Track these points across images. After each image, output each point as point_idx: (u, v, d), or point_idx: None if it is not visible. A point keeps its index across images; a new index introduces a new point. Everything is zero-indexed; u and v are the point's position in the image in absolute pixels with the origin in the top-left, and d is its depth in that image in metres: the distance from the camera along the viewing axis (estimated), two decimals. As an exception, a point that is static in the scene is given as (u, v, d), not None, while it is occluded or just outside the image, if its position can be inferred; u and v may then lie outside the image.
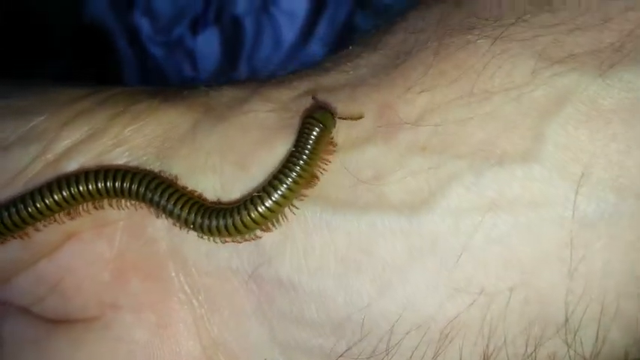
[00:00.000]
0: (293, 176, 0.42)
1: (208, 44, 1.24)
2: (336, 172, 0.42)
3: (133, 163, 0.46)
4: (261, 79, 0.50)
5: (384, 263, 0.40)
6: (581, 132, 0.36)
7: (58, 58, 1.14)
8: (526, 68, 0.38)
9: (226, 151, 0.45)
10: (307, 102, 0.45)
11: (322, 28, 1.27)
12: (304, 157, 0.42)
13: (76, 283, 0.46)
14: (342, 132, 0.43)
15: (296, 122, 0.44)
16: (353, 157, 0.42)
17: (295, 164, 0.42)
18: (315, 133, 0.42)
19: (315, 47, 1.27)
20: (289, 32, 1.27)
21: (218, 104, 0.47)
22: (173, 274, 0.45)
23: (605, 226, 0.35)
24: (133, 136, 0.46)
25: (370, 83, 0.43)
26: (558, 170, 0.36)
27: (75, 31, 1.19)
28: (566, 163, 0.36)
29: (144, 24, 1.23)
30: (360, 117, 0.42)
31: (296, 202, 0.42)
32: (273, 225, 0.43)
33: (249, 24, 1.26)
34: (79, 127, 0.46)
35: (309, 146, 0.42)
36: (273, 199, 0.42)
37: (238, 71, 1.26)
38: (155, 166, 0.46)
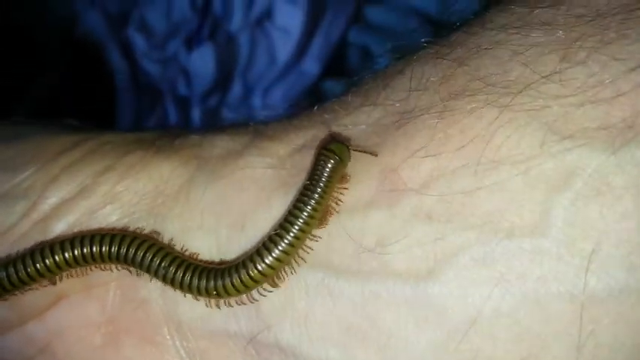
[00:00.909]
0: (307, 211, 0.40)
1: (203, 60, 1.23)
2: (338, 236, 0.41)
3: (124, 221, 0.44)
4: (257, 126, 0.48)
5: (390, 333, 0.38)
6: (591, 208, 0.35)
7: (50, 74, 1.12)
8: (535, 140, 0.37)
9: (222, 210, 0.43)
10: (304, 158, 0.43)
11: (316, 45, 1.26)
12: (319, 190, 0.41)
13: (66, 347, 0.44)
14: (344, 193, 0.42)
15: (293, 180, 0.43)
16: (356, 222, 0.40)
17: (310, 197, 0.41)
18: (330, 165, 0.41)
19: (310, 64, 1.27)
20: (284, 49, 1.26)
21: (212, 157, 0.46)
22: (168, 337, 0.43)
23: (615, 303, 0.34)
24: (124, 193, 0.45)
25: (372, 142, 0.42)
26: (567, 246, 0.35)
27: (68, 47, 1.18)
28: (576, 239, 0.35)
29: (138, 40, 1.22)
30: (375, 154, 0.41)
31: (297, 267, 0.41)
32: (274, 283, 0.41)
33: (243, 40, 1.25)
34: (66, 183, 0.44)
35: (324, 179, 0.41)
36: (287, 240, 0.40)
37: (233, 88, 1.25)
38: (148, 224, 0.44)
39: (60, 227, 0.44)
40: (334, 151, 0.41)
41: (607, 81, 0.36)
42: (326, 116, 0.45)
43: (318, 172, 0.41)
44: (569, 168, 0.36)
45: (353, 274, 0.40)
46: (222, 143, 0.47)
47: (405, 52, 0.48)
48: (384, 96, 0.44)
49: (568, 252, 0.35)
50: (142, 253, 0.42)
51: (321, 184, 0.41)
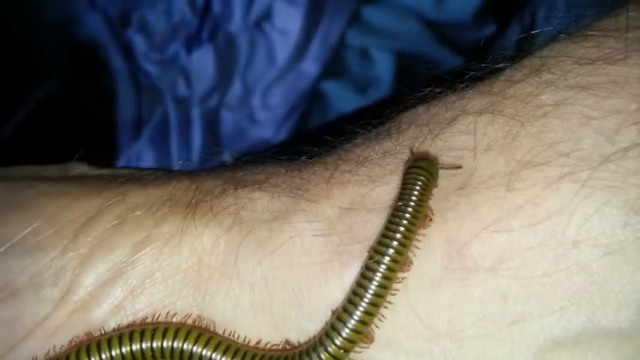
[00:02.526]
0: (404, 231, 0.37)
1: (203, 61, 1.22)
2: (406, 314, 0.38)
3: (170, 300, 0.40)
4: (293, 180, 0.43)
5: None
6: None
7: (49, 81, 1.11)
8: (617, 220, 0.34)
9: (274, 286, 0.39)
10: (355, 222, 0.39)
11: (315, 46, 1.26)
12: (412, 208, 0.38)
13: None
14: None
15: (347, 250, 0.39)
16: (424, 300, 0.37)
17: (403, 218, 0.38)
18: (421, 181, 0.38)
19: (309, 65, 1.26)
20: (283, 50, 1.25)
21: (256, 223, 0.41)
22: None
23: None
24: (166, 269, 0.40)
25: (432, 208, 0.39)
26: None
27: (68, 50, 1.17)
28: None
29: (138, 41, 1.21)
30: (459, 167, 0.38)
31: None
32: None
33: (243, 41, 1.25)
34: (101, 262, 0.40)
35: (415, 196, 0.38)
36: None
37: (232, 89, 1.24)
38: (196, 303, 0.40)
39: (100, 315, 0.40)
40: (424, 168, 0.38)
41: None
42: (371, 173, 0.41)
43: (409, 190, 0.38)
44: None
45: (425, 357, 0.37)
46: (263, 205, 0.42)
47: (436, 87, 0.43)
48: (434, 148, 0.40)
49: None
50: (201, 350, 0.38)
51: (414, 202, 0.38)
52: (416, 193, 0.38)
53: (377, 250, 0.37)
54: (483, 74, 0.41)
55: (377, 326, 0.38)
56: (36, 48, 1.15)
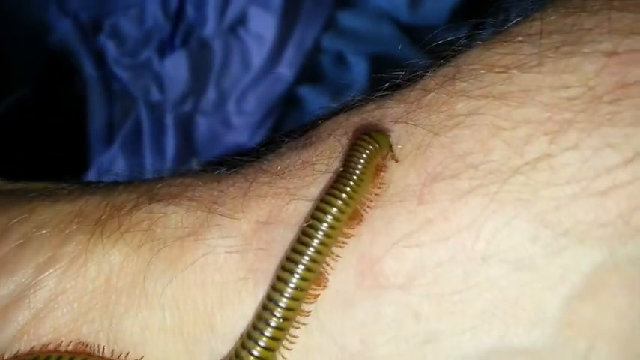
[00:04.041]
0: (340, 204, 0.35)
1: (176, 67, 1.20)
2: (319, 334, 0.36)
3: (77, 324, 0.37)
4: (212, 192, 0.40)
5: None
6: (586, 308, 0.32)
7: (20, 88, 1.10)
8: (526, 235, 0.32)
9: (186, 308, 0.37)
10: (272, 236, 0.37)
11: (290, 51, 1.24)
12: (354, 178, 0.35)
13: None
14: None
15: (262, 266, 0.37)
16: (336, 319, 0.35)
17: (344, 187, 0.35)
18: (368, 152, 0.35)
19: (284, 69, 1.25)
20: (258, 55, 1.24)
21: (167, 240, 0.39)
22: None
23: None
24: (71, 291, 0.38)
25: None
26: (562, 346, 0.32)
27: (39, 57, 1.16)
28: (571, 338, 0.32)
29: (110, 47, 1.20)
30: (397, 161, 0.36)
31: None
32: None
33: (217, 46, 1.23)
34: (2, 285, 0.37)
35: (359, 167, 0.35)
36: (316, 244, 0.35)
37: (207, 94, 1.23)
38: (103, 327, 0.37)
39: (3, 340, 0.37)
40: (374, 138, 0.35)
41: (601, 170, 0.31)
42: (289, 185, 0.39)
43: (354, 160, 0.36)
44: (564, 266, 0.32)
45: None
46: (176, 220, 0.39)
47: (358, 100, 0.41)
48: None
49: (562, 351, 0.32)
50: None
51: (357, 174, 0.35)
52: (359, 167, 0.35)
53: (284, 267, 0.35)
54: (401, 83, 0.39)
55: (288, 347, 0.35)
56: (7, 54, 1.14)
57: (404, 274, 0.34)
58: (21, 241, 0.39)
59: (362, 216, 0.35)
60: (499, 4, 0.42)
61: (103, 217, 0.40)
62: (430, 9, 1.22)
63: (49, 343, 0.37)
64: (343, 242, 0.36)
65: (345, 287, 0.35)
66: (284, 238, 0.37)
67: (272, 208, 0.38)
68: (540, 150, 0.32)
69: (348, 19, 1.27)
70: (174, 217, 0.39)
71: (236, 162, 0.42)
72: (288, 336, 0.35)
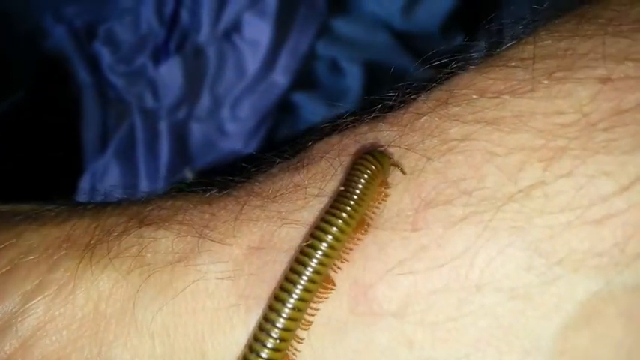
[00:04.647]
0: (341, 223, 0.34)
1: (170, 73, 1.20)
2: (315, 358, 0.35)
3: (66, 352, 0.36)
4: (202, 215, 0.40)
5: None
6: (581, 337, 0.31)
7: (14, 94, 1.09)
8: (520, 264, 0.32)
9: (176, 335, 0.36)
10: (261, 261, 0.36)
11: (285, 57, 1.24)
12: (355, 197, 0.35)
13: None
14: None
15: (254, 292, 0.36)
16: (329, 346, 0.35)
17: (345, 205, 0.35)
18: (369, 172, 0.35)
19: (278, 76, 1.24)
20: (252, 61, 1.23)
21: (157, 265, 0.38)
22: None
23: None
24: (59, 319, 0.37)
25: None
26: None
27: (34, 63, 1.15)
28: None
29: (104, 54, 1.19)
30: (404, 173, 0.36)
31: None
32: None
33: (212, 53, 1.23)
34: None
35: (360, 186, 0.35)
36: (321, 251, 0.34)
37: (201, 100, 1.22)
38: (92, 355, 0.37)
39: None
40: (376, 158, 0.35)
41: (596, 198, 0.31)
42: (281, 209, 0.38)
43: (355, 179, 0.35)
44: (559, 296, 0.32)
45: None
46: (166, 245, 0.39)
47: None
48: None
49: None
50: None
51: (358, 192, 0.35)
52: (361, 186, 0.35)
53: (281, 289, 0.35)
54: (393, 105, 0.39)
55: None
56: (3, 61, 1.13)
57: (398, 301, 0.34)
58: (8, 268, 0.38)
59: (367, 227, 0.35)
60: (491, 24, 0.42)
61: (92, 242, 0.39)
62: (424, 16, 1.22)
63: None
64: (337, 267, 0.35)
65: (337, 314, 0.35)
66: (276, 263, 0.36)
67: (264, 233, 0.37)
68: (534, 177, 0.32)
69: (342, 26, 1.26)
70: (164, 241, 0.38)
71: (227, 183, 0.42)
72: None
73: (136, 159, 1.18)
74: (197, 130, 1.22)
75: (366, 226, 0.35)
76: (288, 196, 0.38)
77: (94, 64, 1.19)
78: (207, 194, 0.41)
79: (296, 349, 0.35)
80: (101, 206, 0.42)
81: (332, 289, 0.35)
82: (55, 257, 0.38)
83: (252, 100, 1.23)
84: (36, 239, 0.40)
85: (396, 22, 1.25)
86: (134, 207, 0.41)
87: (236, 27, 1.24)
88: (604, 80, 0.32)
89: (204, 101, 1.23)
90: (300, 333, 0.35)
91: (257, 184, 0.40)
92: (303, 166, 0.39)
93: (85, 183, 1.14)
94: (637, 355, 0.31)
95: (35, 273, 0.38)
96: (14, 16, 1.19)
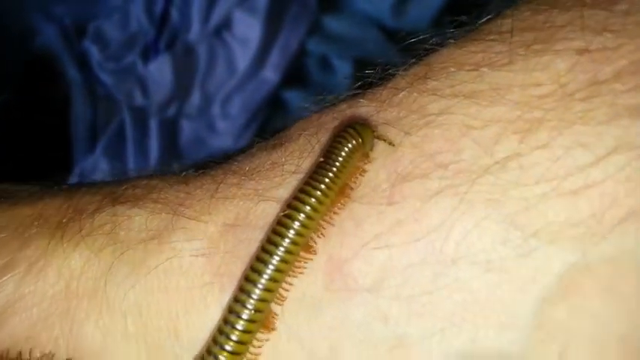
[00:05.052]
0: (319, 195, 0.34)
1: (160, 71, 1.19)
2: (287, 339, 0.34)
3: (36, 330, 0.36)
4: (178, 194, 0.39)
5: None
6: (558, 310, 0.31)
7: (3, 92, 1.08)
8: (496, 236, 0.31)
9: (149, 313, 0.36)
10: (239, 239, 0.35)
11: (275, 55, 1.23)
12: (333, 169, 0.34)
13: None
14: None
15: (229, 269, 0.35)
16: (304, 324, 0.34)
17: (322, 178, 0.34)
18: (350, 145, 0.34)
19: (269, 73, 1.24)
20: (243, 58, 1.22)
21: (130, 243, 0.37)
22: None
23: None
24: (29, 297, 0.36)
25: None
26: (534, 348, 0.31)
27: (23, 62, 1.14)
28: (543, 340, 0.31)
29: (94, 51, 1.18)
30: (393, 145, 0.35)
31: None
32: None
33: (202, 50, 1.22)
34: None
35: (340, 158, 0.34)
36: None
37: (191, 98, 1.22)
38: (63, 332, 0.36)
39: None
40: (358, 131, 0.34)
41: (573, 169, 0.30)
42: (257, 186, 0.37)
43: (335, 152, 0.35)
44: (535, 268, 0.31)
45: None
46: (140, 222, 0.38)
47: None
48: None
49: (534, 354, 0.31)
50: None
51: (337, 164, 0.34)
52: (340, 159, 0.34)
53: (259, 258, 0.34)
54: (373, 81, 0.38)
55: (255, 353, 0.34)
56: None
57: (373, 276, 0.33)
58: None
59: (345, 200, 0.34)
60: (476, 2, 0.41)
61: (64, 220, 0.38)
62: (414, 13, 1.21)
63: (7, 350, 0.35)
64: (313, 242, 0.34)
65: (313, 290, 0.34)
66: (251, 240, 0.35)
67: (240, 210, 0.36)
68: (510, 149, 0.31)
69: (333, 23, 1.26)
70: (137, 219, 0.38)
71: (205, 163, 0.41)
72: (255, 341, 0.34)
73: (126, 157, 1.17)
74: (187, 128, 1.21)
75: (344, 200, 0.34)
76: (265, 173, 0.37)
77: (83, 61, 1.18)
78: (183, 174, 0.40)
79: (270, 327, 0.34)
80: (75, 187, 0.42)
81: (310, 259, 0.34)
82: (26, 235, 0.38)
83: (243, 97, 1.23)
84: (7, 217, 0.39)
85: (387, 19, 1.24)
86: (108, 187, 0.41)
87: (226, 24, 1.23)
88: (581, 52, 0.32)
89: (195, 98, 1.22)
90: (274, 309, 0.34)
91: (235, 163, 0.40)
92: (282, 144, 0.39)
93: (73, 180, 1.13)
94: (616, 327, 0.30)
95: (5, 251, 0.37)
96: (2, 14, 1.18)
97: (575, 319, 0.31)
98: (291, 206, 0.34)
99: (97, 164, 1.15)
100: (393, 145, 0.35)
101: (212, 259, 0.36)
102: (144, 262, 0.36)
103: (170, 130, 1.20)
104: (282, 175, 0.37)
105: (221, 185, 0.38)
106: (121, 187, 0.40)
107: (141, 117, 1.18)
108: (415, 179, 0.33)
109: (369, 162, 0.35)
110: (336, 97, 0.39)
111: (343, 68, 1.23)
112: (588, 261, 0.30)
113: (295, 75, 1.24)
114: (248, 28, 1.22)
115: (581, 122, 0.30)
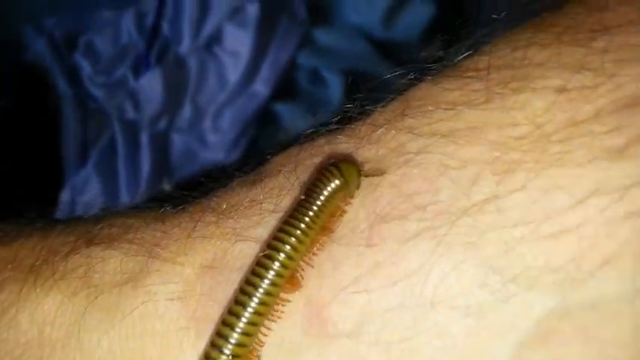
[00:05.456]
0: (294, 240, 0.33)
1: (151, 84, 1.18)
2: None
3: None
4: (155, 232, 0.38)
5: None
6: (537, 356, 0.30)
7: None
8: (475, 281, 0.31)
9: None
10: (214, 281, 0.35)
11: (266, 68, 1.23)
12: (314, 209, 0.33)
13: None
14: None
15: (205, 313, 0.34)
16: None
17: (301, 219, 0.33)
18: (332, 186, 0.33)
19: (259, 86, 1.23)
20: (233, 72, 1.22)
21: (105, 287, 0.36)
22: None
23: None
24: (2, 345, 0.35)
25: None
26: None
27: (14, 75, 1.13)
28: None
29: (84, 65, 1.18)
30: (384, 173, 0.34)
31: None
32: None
33: (193, 64, 1.21)
34: None
35: (322, 198, 0.33)
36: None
37: (182, 111, 1.21)
38: None
39: None
40: (340, 170, 0.33)
41: (551, 212, 0.30)
42: (236, 225, 0.36)
43: (316, 192, 0.34)
44: (514, 313, 0.30)
45: None
46: (115, 265, 0.37)
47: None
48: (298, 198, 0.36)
49: None
50: None
51: (317, 205, 0.33)
52: (321, 198, 0.33)
53: (237, 301, 0.33)
54: (352, 116, 0.38)
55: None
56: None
57: (352, 321, 0.32)
58: None
59: (323, 242, 0.33)
60: (453, 33, 0.41)
61: (37, 263, 0.37)
62: (404, 25, 1.21)
63: None
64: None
65: (291, 335, 0.33)
66: (229, 282, 0.34)
67: (217, 251, 0.36)
68: (488, 191, 0.31)
69: (323, 36, 1.25)
70: (112, 261, 0.37)
71: (184, 198, 0.40)
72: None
73: (117, 171, 1.16)
74: (178, 141, 1.21)
75: (323, 240, 0.34)
76: (244, 211, 0.37)
77: (73, 75, 1.17)
78: (161, 211, 0.40)
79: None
80: (50, 225, 0.41)
81: (289, 301, 0.33)
82: (0, 279, 0.37)
83: (234, 110, 1.22)
84: None
85: (377, 31, 1.24)
86: (84, 226, 0.40)
87: (217, 38, 1.23)
88: (560, 90, 0.31)
89: (186, 112, 1.21)
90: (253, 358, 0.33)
91: (214, 199, 0.39)
92: (261, 180, 0.38)
93: (65, 196, 1.12)
94: None
95: None
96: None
97: None
98: (271, 246, 0.34)
99: (88, 179, 1.14)
100: (384, 173, 0.34)
101: (188, 303, 0.35)
102: (118, 306, 0.35)
103: (161, 144, 1.19)
104: (261, 213, 0.36)
105: (198, 224, 0.37)
106: (96, 226, 0.39)
107: (132, 131, 1.18)
108: (393, 220, 0.33)
109: (350, 203, 0.34)
110: (314, 132, 0.39)
111: (333, 81, 1.23)
112: (568, 306, 0.29)
113: (286, 88, 1.24)
114: (238, 42, 1.22)
115: (558, 164, 0.30)
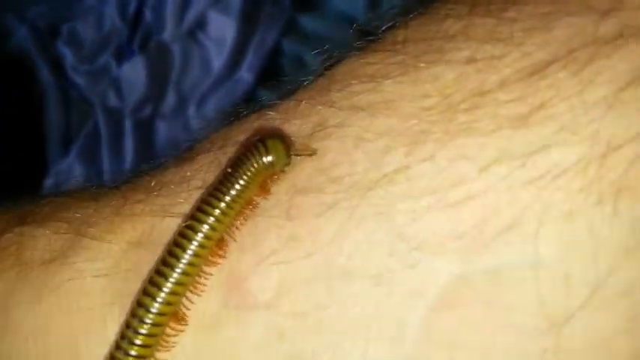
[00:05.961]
0: (216, 213, 0.33)
1: (134, 72, 1.18)
2: (184, 357, 0.34)
3: None
4: (85, 210, 0.38)
5: None
6: (444, 321, 0.31)
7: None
8: (384, 249, 0.31)
9: (50, 337, 0.35)
10: (139, 258, 0.35)
11: (250, 54, 1.23)
12: (240, 182, 0.33)
13: None
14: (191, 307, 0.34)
15: (129, 289, 0.35)
16: (203, 343, 0.34)
17: (220, 196, 0.33)
18: (257, 159, 0.33)
19: (244, 73, 1.23)
20: (217, 59, 1.22)
21: (34, 261, 0.36)
22: None
23: None
24: None
25: None
26: (423, 359, 0.31)
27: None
28: (431, 351, 0.31)
29: (67, 53, 1.18)
30: (315, 153, 0.34)
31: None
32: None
33: (176, 51, 1.21)
34: None
35: (248, 173, 0.33)
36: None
37: (166, 99, 1.21)
38: None
39: None
40: (266, 146, 0.33)
41: (456, 181, 0.30)
42: (165, 202, 0.37)
43: (239, 166, 0.34)
44: (421, 280, 0.31)
45: None
46: (44, 243, 0.37)
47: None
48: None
49: None
50: None
51: (243, 178, 0.33)
52: (243, 177, 0.33)
53: (152, 281, 0.33)
54: (282, 93, 0.38)
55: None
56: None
57: (270, 292, 0.32)
58: None
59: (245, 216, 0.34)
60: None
61: None
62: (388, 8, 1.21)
63: None
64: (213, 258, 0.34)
65: (212, 307, 0.33)
66: (154, 257, 0.35)
67: (145, 227, 0.36)
68: (398, 162, 0.31)
69: (308, 22, 1.25)
70: (42, 239, 0.37)
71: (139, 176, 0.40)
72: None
73: (100, 159, 1.17)
74: (162, 128, 1.21)
75: (246, 214, 0.34)
76: (174, 188, 0.37)
77: (56, 64, 1.18)
78: (95, 190, 0.40)
79: (167, 347, 0.33)
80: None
81: (211, 274, 0.34)
82: None
83: (218, 97, 1.22)
84: None
85: (361, 17, 1.24)
86: (19, 206, 0.40)
87: (201, 24, 1.23)
88: (469, 61, 0.31)
89: (170, 99, 1.21)
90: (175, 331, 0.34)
91: (147, 177, 0.39)
92: (192, 158, 0.38)
93: (48, 184, 1.13)
94: (501, 339, 0.30)
95: None
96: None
97: (460, 330, 0.30)
98: (193, 217, 0.34)
99: (72, 167, 1.15)
100: (315, 154, 0.34)
101: (113, 279, 0.35)
102: (45, 283, 0.36)
103: (145, 131, 1.20)
104: (189, 190, 0.36)
105: (128, 201, 0.37)
106: (32, 206, 0.40)
107: (115, 118, 1.18)
108: (312, 193, 0.33)
109: (277, 176, 0.34)
110: (248, 108, 0.39)
111: (318, 67, 1.23)
112: (470, 273, 0.30)
113: (270, 74, 1.23)
114: (222, 28, 1.22)
115: (465, 134, 0.30)
